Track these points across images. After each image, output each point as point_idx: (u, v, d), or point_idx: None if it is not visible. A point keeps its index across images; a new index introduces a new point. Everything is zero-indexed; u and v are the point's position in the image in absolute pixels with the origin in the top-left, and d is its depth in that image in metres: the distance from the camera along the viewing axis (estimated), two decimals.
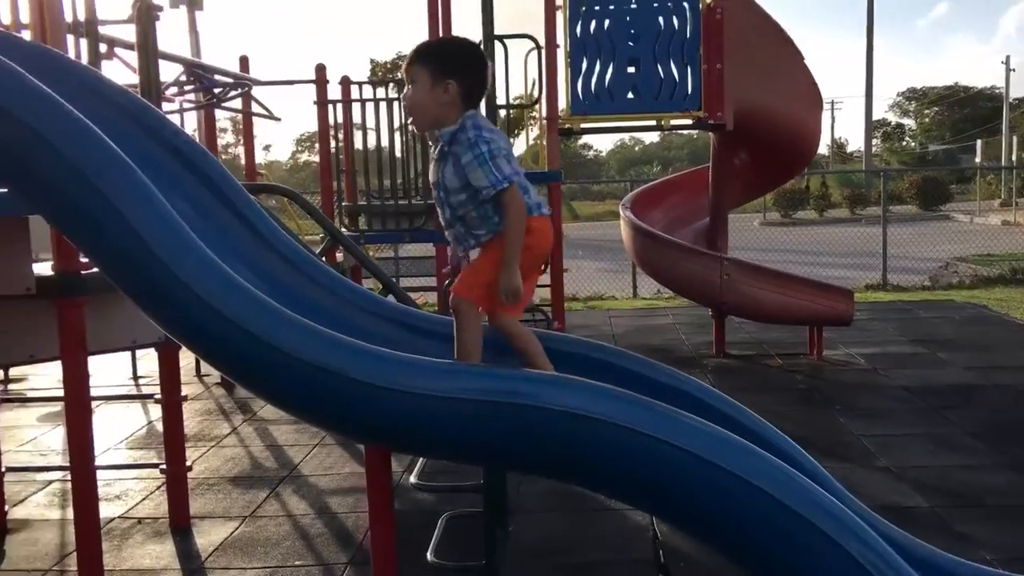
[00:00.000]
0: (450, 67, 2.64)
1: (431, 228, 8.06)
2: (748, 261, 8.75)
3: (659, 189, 10.44)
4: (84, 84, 3.04)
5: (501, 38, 7.63)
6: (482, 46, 2.87)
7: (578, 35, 7.80)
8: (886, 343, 8.95)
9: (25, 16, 3.43)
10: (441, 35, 2.54)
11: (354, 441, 5.29)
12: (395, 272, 10.26)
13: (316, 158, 12.01)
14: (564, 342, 3.14)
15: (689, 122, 7.98)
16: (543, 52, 8.25)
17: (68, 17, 4.17)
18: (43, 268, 3.85)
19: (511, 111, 9.63)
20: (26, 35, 3.39)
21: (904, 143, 68.77)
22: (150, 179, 2.48)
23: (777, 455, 2.56)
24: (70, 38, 4.15)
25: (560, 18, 7.96)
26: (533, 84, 8.65)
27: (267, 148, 61.86)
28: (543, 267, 3.31)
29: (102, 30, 4.70)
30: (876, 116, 59.94)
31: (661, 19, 7.76)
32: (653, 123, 8.04)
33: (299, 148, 64.26)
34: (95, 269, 3.75)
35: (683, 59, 7.71)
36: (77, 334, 3.72)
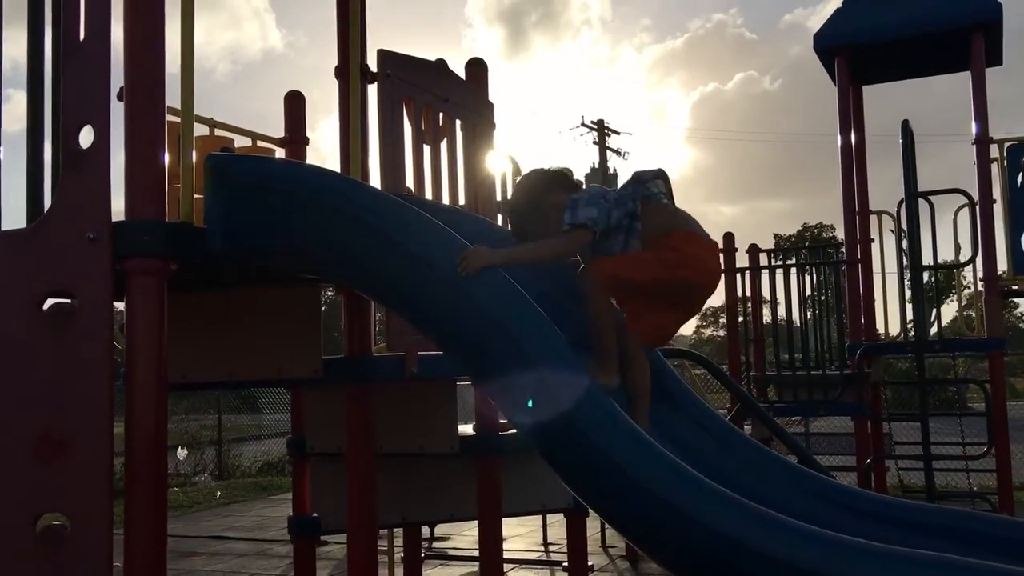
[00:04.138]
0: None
1: (849, 400, 7.43)
2: None
3: None
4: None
5: (927, 195, 7.05)
6: None
7: (1019, 187, 6.99)
8: None
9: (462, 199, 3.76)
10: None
11: None
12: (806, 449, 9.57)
13: (720, 332, 11.80)
14: None
15: None
16: (977, 208, 7.49)
17: (497, 196, 4.57)
18: (465, 429, 4.04)
19: (938, 273, 8.79)
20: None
21: None
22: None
23: None
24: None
25: (995, 170, 7.22)
26: (958, 248, 7.87)
27: None
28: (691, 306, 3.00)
29: None
30: None
31: None
32: None
33: (703, 323, 64.85)
34: (512, 431, 3.85)
35: None
36: (494, 492, 3.80)
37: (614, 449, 2.25)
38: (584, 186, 3.06)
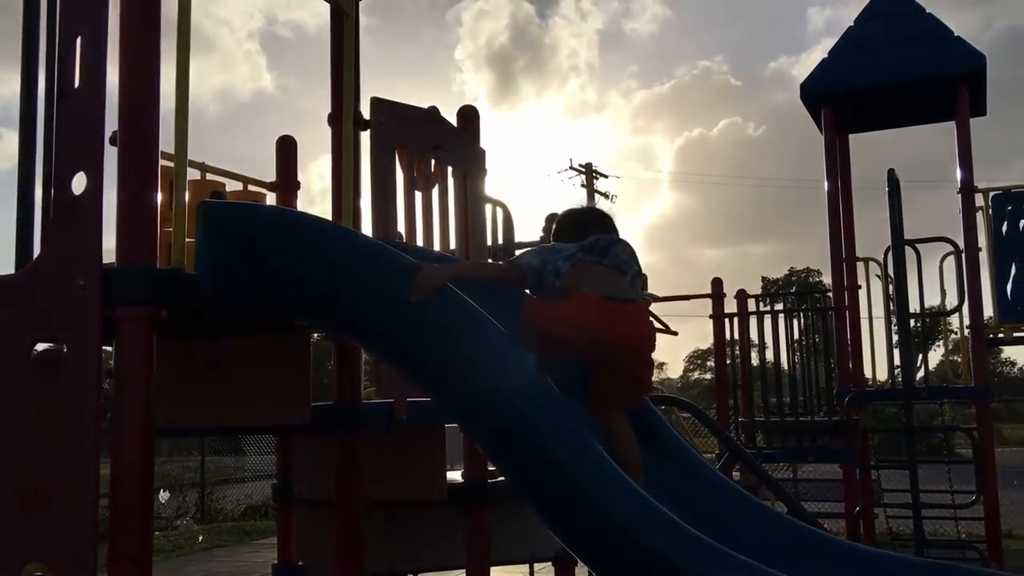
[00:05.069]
0: None
1: (837, 447, 7.41)
2: None
3: None
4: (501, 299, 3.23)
5: (913, 242, 7.11)
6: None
7: (1004, 235, 7.07)
8: None
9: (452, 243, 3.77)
10: None
11: None
12: (794, 496, 9.52)
13: (708, 376, 11.84)
14: None
15: None
16: (963, 256, 7.53)
17: (489, 242, 4.59)
18: (453, 476, 4.00)
19: (926, 320, 8.83)
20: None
21: None
22: None
23: None
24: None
25: (980, 219, 7.30)
26: (944, 294, 7.91)
27: (661, 366, 63.13)
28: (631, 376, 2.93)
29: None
30: None
31: None
32: None
33: (690, 366, 64.83)
34: (501, 478, 3.82)
35: None
36: (482, 540, 3.76)
37: (607, 501, 2.23)
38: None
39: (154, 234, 2.41)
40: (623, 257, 2.96)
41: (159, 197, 2.49)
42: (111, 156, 2.43)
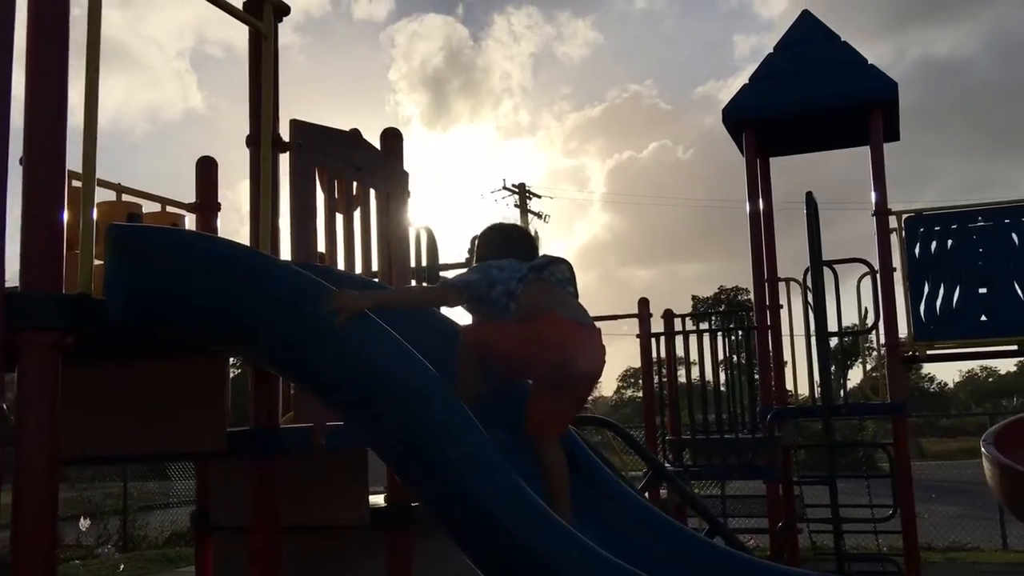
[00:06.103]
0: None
1: (760, 464, 7.54)
2: None
3: None
4: (426, 324, 3.23)
5: (831, 263, 7.29)
6: None
7: (917, 256, 7.30)
8: None
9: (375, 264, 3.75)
10: None
11: None
12: (722, 512, 9.64)
13: (640, 394, 12.01)
14: None
15: None
16: (878, 276, 7.75)
17: (413, 263, 4.58)
18: (376, 499, 3.96)
19: (845, 339, 9.06)
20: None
21: None
22: None
23: None
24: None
25: (895, 240, 7.53)
26: (866, 312, 8.12)
27: None
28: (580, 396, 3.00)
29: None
30: None
31: (1015, 236, 7.11)
32: (1015, 348, 7.17)
33: (623, 384, 65.37)
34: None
35: None
36: (405, 564, 3.73)
37: (529, 536, 2.24)
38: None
39: (60, 257, 2.35)
40: (559, 276, 2.95)
41: (66, 218, 2.43)
42: (16, 174, 2.37)
